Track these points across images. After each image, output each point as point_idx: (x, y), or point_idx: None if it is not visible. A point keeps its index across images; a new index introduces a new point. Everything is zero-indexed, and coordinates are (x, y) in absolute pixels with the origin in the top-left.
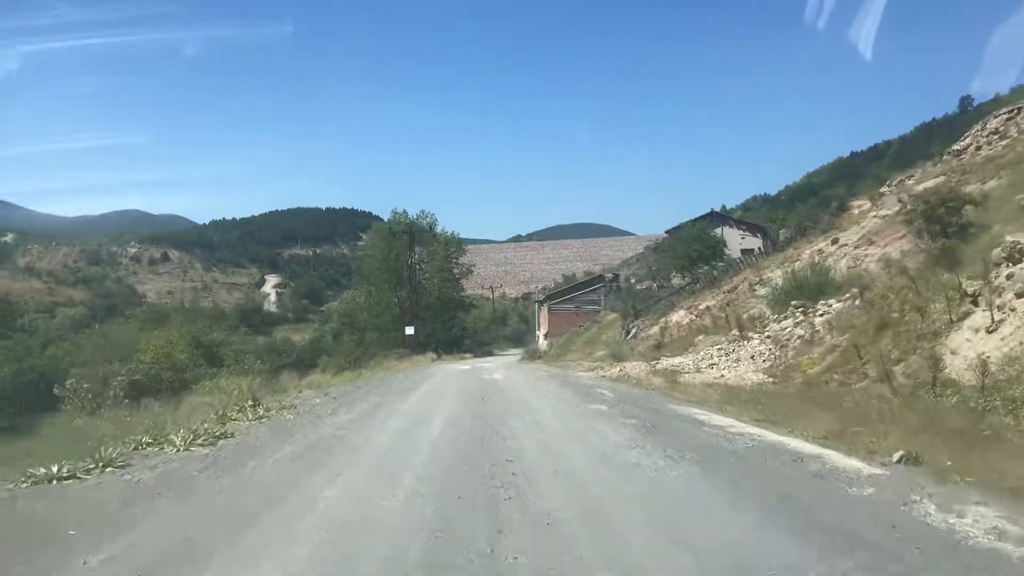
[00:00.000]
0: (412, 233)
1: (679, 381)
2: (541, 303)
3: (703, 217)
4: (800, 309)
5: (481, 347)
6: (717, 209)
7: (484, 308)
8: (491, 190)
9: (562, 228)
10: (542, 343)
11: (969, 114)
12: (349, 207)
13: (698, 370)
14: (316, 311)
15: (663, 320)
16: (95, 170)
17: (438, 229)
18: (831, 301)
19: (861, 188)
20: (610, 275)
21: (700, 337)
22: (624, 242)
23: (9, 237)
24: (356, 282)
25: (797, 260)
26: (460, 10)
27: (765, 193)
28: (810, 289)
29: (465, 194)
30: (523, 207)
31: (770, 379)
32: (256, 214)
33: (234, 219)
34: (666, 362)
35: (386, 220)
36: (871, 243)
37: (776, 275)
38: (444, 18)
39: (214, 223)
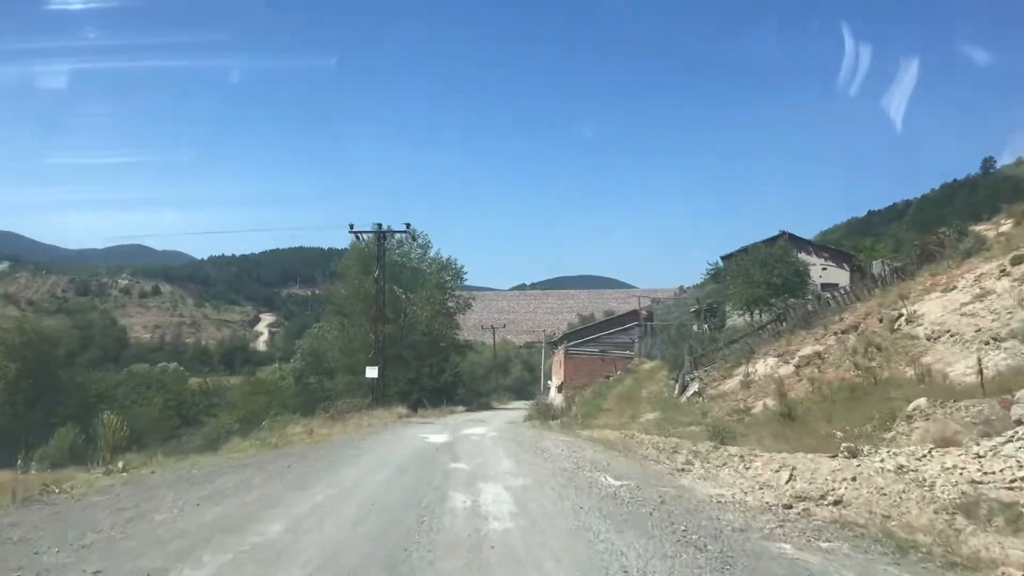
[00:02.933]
0: (382, 236)
1: None
2: (555, 345)
3: (772, 240)
4: None
5: (478, 398)
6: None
7: (483, 353)
8: (496, 240)
9: (565, 279)
10: (555, 396)
11: (992, 175)
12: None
13: None
14: None
15: (742, 371)
16: (103, 208)
17: (431, 252)
18: None
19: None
20: (645, 312)
21: (926, 422)
22: (630, 294)
23: (4, 265)
24: (327, 314)
25: (952, 287)
26: (472, 69)
27: None
28: None
29: (470, 242)
30: (527, 258)
31: None
32: (257, 251)
33: (233, 256)
34: (947, 476)
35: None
36: None
37: (934, 306)
38: (458, 77)
39: (212, 259)
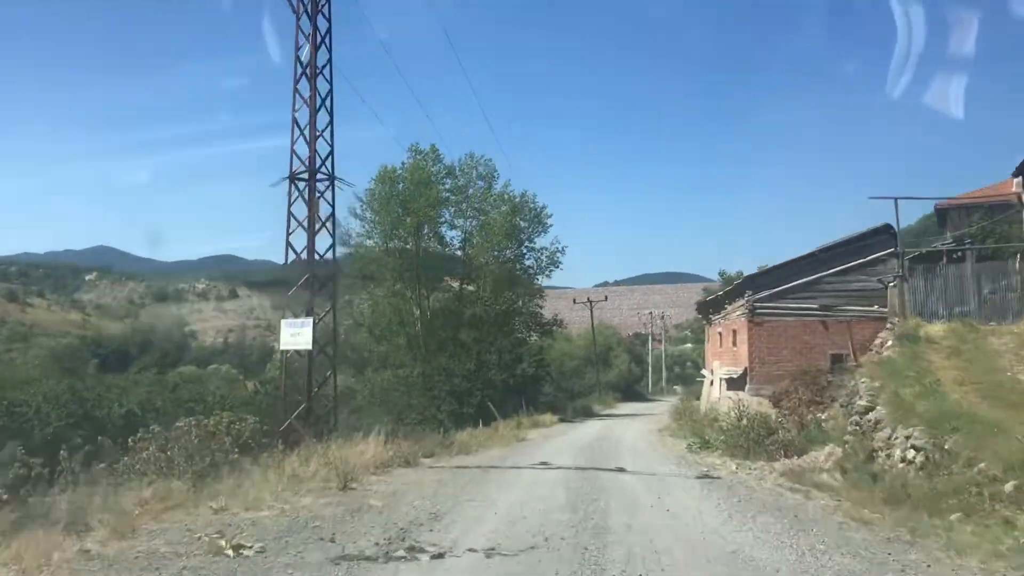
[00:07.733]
0: None
1: None
2: (715, 307)
3: None
4: None
5: (572, 399)
6: None
7: (575, 343)
8: (575, 238)
9: (649, 276)
10: (722, 395)
11: None
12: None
13: None
14: None
15: None
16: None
17: (497, 186)
18: None
19: None
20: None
21: None
22: (714, 288)
23: (93, 275)
24: (352, 282)
25: None
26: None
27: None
28: None
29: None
30: (608, 256)
31: None
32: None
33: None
34: None
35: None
36: None
37: None
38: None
39: (295, 263)
